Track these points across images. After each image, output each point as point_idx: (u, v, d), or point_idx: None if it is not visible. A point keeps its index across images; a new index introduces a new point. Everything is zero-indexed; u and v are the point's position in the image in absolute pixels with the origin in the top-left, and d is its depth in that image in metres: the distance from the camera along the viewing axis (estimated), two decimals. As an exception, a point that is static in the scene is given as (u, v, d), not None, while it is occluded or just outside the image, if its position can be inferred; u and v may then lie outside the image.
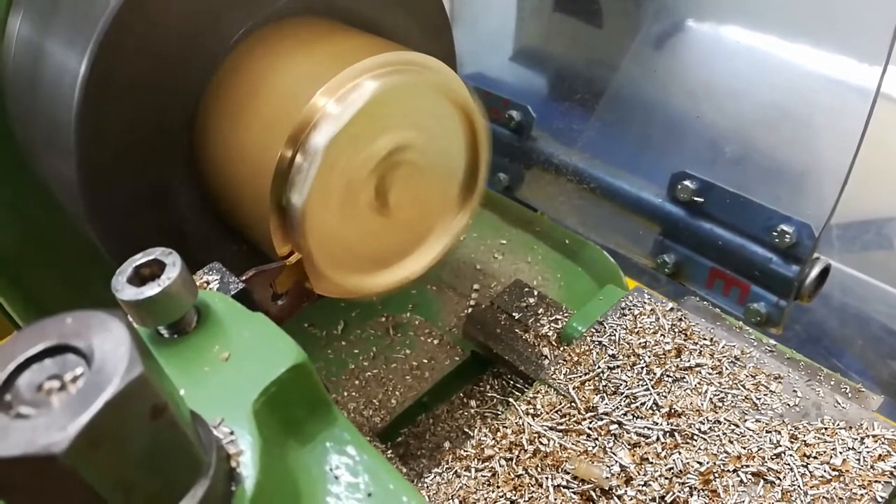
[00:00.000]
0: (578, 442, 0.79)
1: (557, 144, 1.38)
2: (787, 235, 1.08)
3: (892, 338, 1.64)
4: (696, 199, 1.18)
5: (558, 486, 0.75)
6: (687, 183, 1.18)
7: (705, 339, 0.88)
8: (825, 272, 1.14)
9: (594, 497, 0.74)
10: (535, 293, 1.16)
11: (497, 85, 1.46)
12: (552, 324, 1.10)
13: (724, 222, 1.18)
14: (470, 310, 1.22)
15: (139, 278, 0.52)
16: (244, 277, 0.75)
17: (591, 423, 0.81)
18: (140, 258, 0.52)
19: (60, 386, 0.37)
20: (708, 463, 0.75)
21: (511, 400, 0.89)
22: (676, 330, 0.90)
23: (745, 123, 1.17)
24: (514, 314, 1.12)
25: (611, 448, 0.78)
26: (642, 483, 0.74)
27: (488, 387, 1.18)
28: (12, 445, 0.33)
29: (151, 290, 0.51)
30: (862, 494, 0.71)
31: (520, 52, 1.49)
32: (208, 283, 0.66)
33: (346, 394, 1.14)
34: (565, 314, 1.11)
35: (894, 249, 1.72)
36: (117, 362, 0.37)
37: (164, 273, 0.51)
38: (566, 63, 1.42)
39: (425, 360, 1.18)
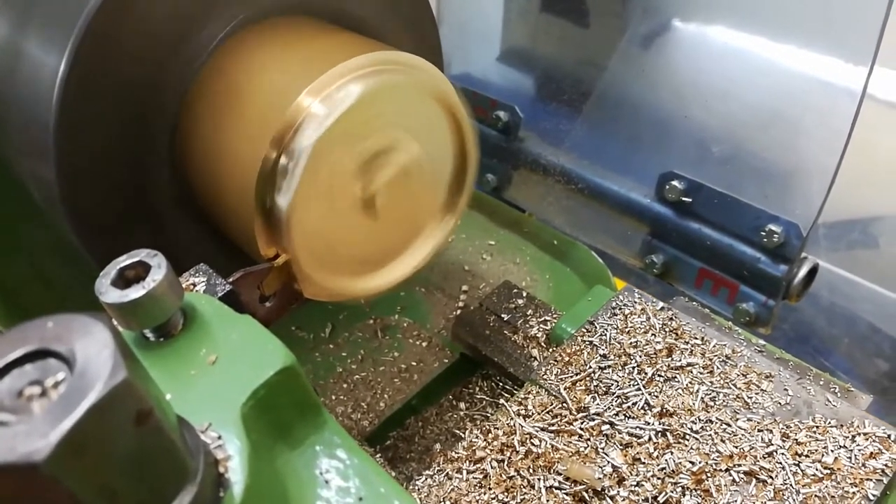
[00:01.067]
0: (570, 442, 0.79)
1: (545, 145, 1.37)
2: (775, 235, 1.08)
3: (879, 336, 1.65)
4: (684, 199, 1.18)
5: (550, 487, 0.75)
6: (675, 183, 1.18)
7: (696, 338, 0.88)
8: (813, 272, 1.14)
9: (586, 498, 0.73)
10: (524, 294, 1.15)
11: (484, 85, 1.46)
12: (541, 325, 1.09)
13: (712, 222, 1.18)
14: (458, 311, 1.22)
15: (123, 281, 0.51)
16: (231, 279, 0.74)
17: (582, 423, 0.80)
18: (124, 260, 0.51)
19: (42, 392, 0.36)
20: (700, 462, 0.75)
21: (501, 401, 0.88)
22: (667, 329, 0.90)
23: (733, 123, 1.17)
24: (502, 316, 1.11)
25: (603, 448, 0.78)
26: (635, 483, 0.74)
27: (477, 389, 1.17)
28: (-8, 453, 0.32)
29: (136, 292, 0.50)
30: (854, 493, 0.71)
31: (507, 52, 1.49)
32: (195, 285, 0.64)
33: (333, 397, 1.13)
34: (554, 315, 1.10)
35: (880, 248, 1.73)
36: (100, 367, 0.36)
37: (150, 275, 0.50)
38: (553, 63, 1.42)
39: (414, 363, 1.18)
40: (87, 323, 0.37)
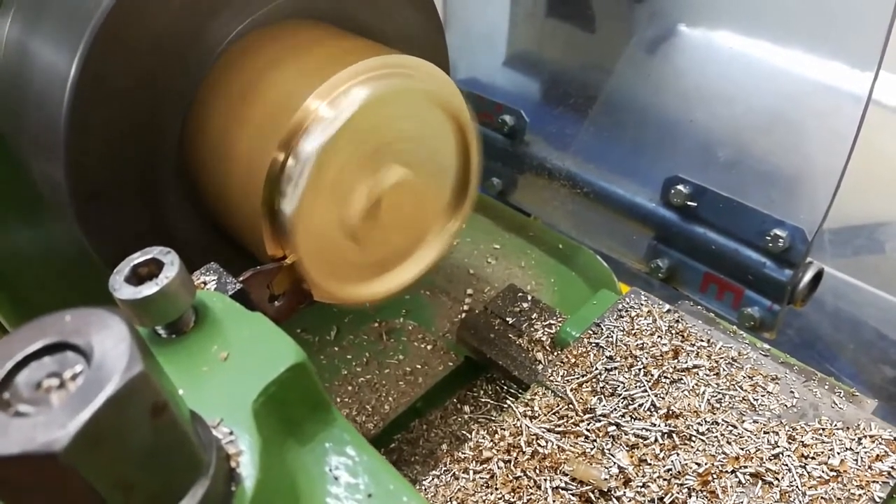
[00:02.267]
0: (576, 444, 0.79)
1: (551, 149, 1.38)
2: (780, 240, 1.09)
3: (884, 342, 1.65)
4: (689, 203, 1.18)
5: (557, 487, 0.75)
6: (680, 187, 1.18)
7: (702, 340, 0.88)
8: (818, 276, 1.15)
9: (592, 499, 0.74)
10: (529, 298, 1.15)
11: (490, 90, 1.46)
12: (546, 329, 1.09)
13: (717, 227, 1.18)
14: (463, 315, 1.22)
15: (137, 277, 0.51)
16: (242, 278, 0.74)
17: (588, 424, 0.81)
18: (138, 257, 0.52)
19: (60, 384, 0.36)
20: (706, 464, 0.75)
21: (508, 402, 0.88)
22: (674, 331, 0.90)
23: (738, 128, 1.18)
24: (507, 319, 1.12)
25: (609, 450, 0.78)
26: (641, 484, 0.74)
27: (482, 392, 1.17)
28: (12, 443, 0.33)
29: (149, 289, 0.50)
30: (860, 495, 0.71)
31: (513, 57, 1.50)
32: (205, 283, 0.65)
33: (339, 400, 1.13)
34: (559, 319, 1.11)
35: (886, 254, 1.73)
36: (117, 359, 0.36)
37: (163, 272, 0.51)
38: (559, 68, 1.43)
39: (419, 366, 1.18)
40: (105, 317, 0.38)
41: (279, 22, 0.96)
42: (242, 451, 0.46)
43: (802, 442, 0.77)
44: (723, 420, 0.79)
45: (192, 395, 0.48)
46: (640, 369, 0.86)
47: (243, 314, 0.55)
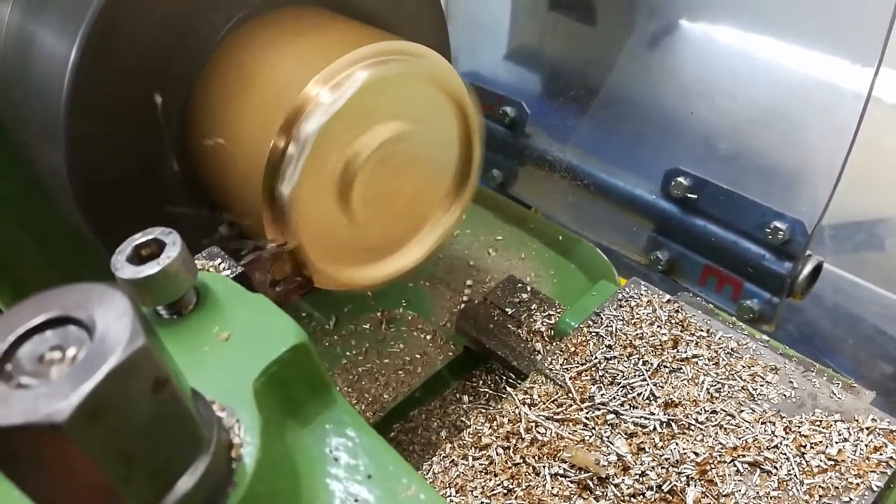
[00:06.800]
0: (575, 431, 0.79)
1: (551, 141, 1.38)
2: (780, 232, 1.09)
3: (883, 338, 1.65)
4: (689, 195, 1.19)
5: (555, 474, 0.75)
6: (681, 179, 1.18)
7: (702, 330, 0.89)
8: (818, 269, 1.15)
9: (591, 486, 0.74)
10: (529, 289, 1.16)
11: (492, 83, 1.46)
12: (545, 319, 1.10)
13: (717, 219, 1.18)
14: (463, 305, 1.22)
15: (139, 257, 0.51)
16: (242, 262, 0.74)
17: (587, 412, 0.81)
18: (140, 237, 0.52)
19: (62, 357, 0.36)
20: (704, 453, 0.75)
21: (507, 392, 0.88)
22: (673, 321, 0.90)
23: (739, 121, 1.18)
24: (507, 310, 1.12)
25: (608, 437, 0.78)
26: (639, 472, 0.74)
27: (481, 382, 1.18)
28: (14, 414, 0.33)
29: (151, 269, 0.50)
30: (857, 484, 0.71)
31: (514, 50, 1.50)
32: (206, 267, 0.65)
33: (338, 388, 1.13)
34: (558, 310, 1.11)
35: (886, 250, 1.73)
36: (120, 333, 0.36)
37: (164, 252, 0.51)
38: (561, 61, 1.43)
39: (418, 355, 1.18)
40: (107, 291, 0.38)
41: (280, 8, 0.96)
42: (243, 430, 0.46)
43: (801, 432, 0.77)
44: (721, 409, 0.79)
45: (194, 375, 0.47)
46: (639, 358, 0.86)
47: (245, 295, 0.55)
